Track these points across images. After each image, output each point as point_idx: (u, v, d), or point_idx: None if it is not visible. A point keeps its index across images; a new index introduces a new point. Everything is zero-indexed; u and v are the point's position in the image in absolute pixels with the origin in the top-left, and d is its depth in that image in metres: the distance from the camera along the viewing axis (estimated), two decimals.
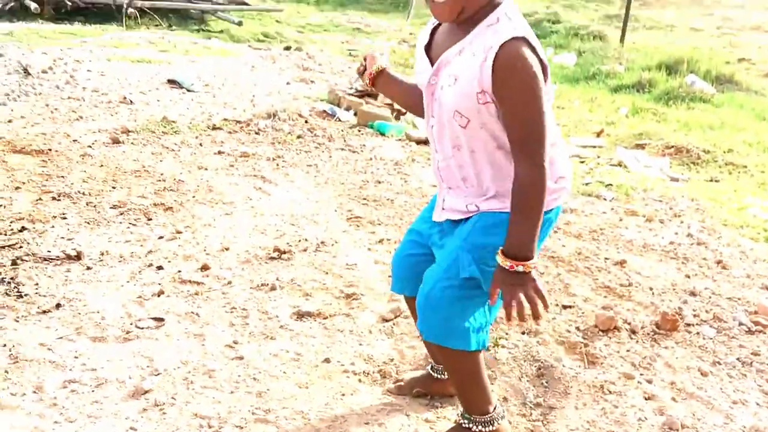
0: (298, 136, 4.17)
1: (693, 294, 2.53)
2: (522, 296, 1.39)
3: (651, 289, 2.55)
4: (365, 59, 1.67)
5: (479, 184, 1.48)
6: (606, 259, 2.77)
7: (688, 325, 2.30)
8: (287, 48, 7.58)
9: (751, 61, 8.55)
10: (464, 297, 1.49)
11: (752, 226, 3.23)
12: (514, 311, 1.39)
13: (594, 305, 2.39)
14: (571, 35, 9.61)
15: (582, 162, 4.16)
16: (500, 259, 1.40)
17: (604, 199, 3.40)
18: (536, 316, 1.40)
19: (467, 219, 1.51)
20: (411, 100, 1.64)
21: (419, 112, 1.59)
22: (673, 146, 4.51)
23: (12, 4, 7.87)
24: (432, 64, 1.44)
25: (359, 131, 4.47)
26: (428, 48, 1.50)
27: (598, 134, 4.88)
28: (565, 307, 2.36)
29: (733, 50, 9.27)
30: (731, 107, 6.20)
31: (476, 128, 1.39)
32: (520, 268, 1.38)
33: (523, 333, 2.18)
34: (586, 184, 3.61)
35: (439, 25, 1.50)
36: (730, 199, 3.60)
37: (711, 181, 4.00)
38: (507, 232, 1.40)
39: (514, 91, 1.32)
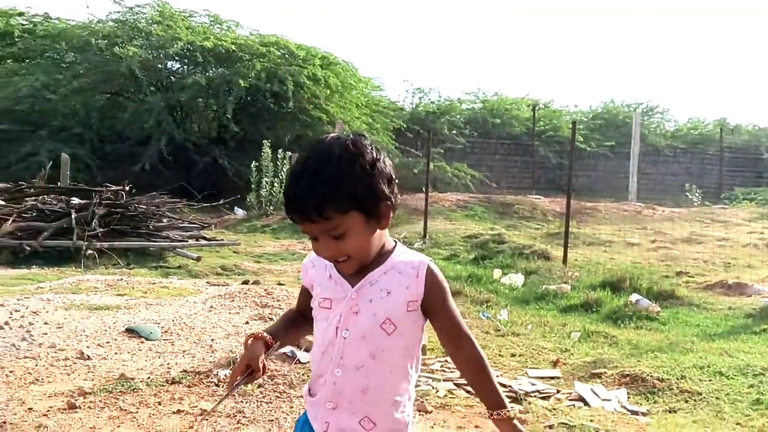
0: (259, 386, 4.15)
1: None
2: None
3: None
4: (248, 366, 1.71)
5: (377, 394, 1.64)
6: None
7: None
8: (245, 282, 7.73)
9: (689, 274, 9.02)
10: None
11: None
12: None
13: None
14: (516, 255, 10.08)
15: (543, 398, 4.20)
16: (495, 415, 1.64)
17: None
18: None
19: None
20: (299, 333, 1.88)
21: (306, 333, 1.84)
22: (628, 375, 4.61)
23: None
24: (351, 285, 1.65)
25: None
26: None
27: (555, 364, 4.98)
28: None
29: (671, 263, 9.81)
30: (677, 325, 6.44)
31: (399, 335, 1.63)
32: (511, 413, 1.65)
33: None
34: (550, 426, 3.63)
35: None
36: None
37: (670, 412, 4.06)
38: (483, 397, 1.69)
39: (443, 298, 1.66)
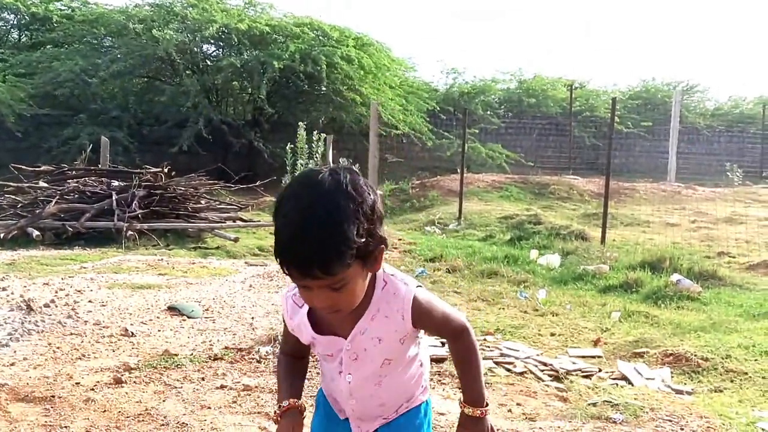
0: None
1: None
2: None
3: None
4: None
5: (394, 401, 1.74)
6: None
7: None
8: None
9: (730, 254, 8.86)
10: None
11: None
12: None
13: None
14: (553, 235, 9.98)
15: (585, 377, 4.17)
16: (468, 410, 1.71)
17: (614, 422, 3.37)
18: None
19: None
20: (303, 379, 1.84)
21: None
22: (671, 354, 4.55)
23: (15, 232, 8.15)
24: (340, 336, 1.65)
25: None
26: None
27: (596, 343, 4.93)
28: None
29: (711, 244, 9.64)
30: (719, 305, 6.33)
31: (397, 361, 1.70)
32: (479, 413, 1.71)
33: None
34: (594, 404, 3.59)
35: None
36: (738, 414, 3.57)
37: (715, 391, 4.00)
38: (464, 388, 1.73)
39: (432, 317, 1.65)
